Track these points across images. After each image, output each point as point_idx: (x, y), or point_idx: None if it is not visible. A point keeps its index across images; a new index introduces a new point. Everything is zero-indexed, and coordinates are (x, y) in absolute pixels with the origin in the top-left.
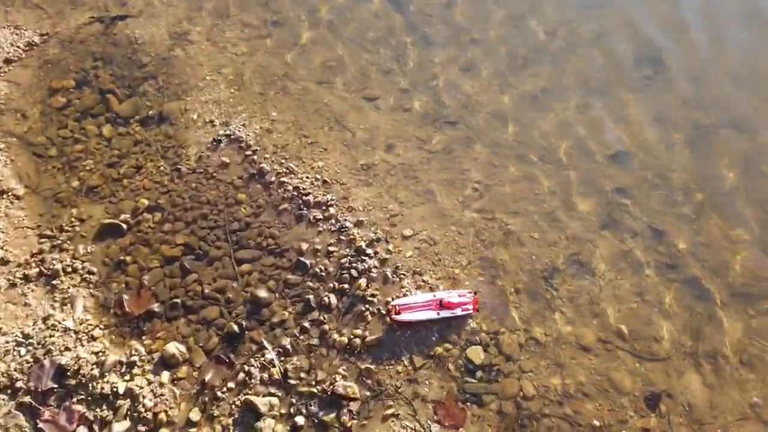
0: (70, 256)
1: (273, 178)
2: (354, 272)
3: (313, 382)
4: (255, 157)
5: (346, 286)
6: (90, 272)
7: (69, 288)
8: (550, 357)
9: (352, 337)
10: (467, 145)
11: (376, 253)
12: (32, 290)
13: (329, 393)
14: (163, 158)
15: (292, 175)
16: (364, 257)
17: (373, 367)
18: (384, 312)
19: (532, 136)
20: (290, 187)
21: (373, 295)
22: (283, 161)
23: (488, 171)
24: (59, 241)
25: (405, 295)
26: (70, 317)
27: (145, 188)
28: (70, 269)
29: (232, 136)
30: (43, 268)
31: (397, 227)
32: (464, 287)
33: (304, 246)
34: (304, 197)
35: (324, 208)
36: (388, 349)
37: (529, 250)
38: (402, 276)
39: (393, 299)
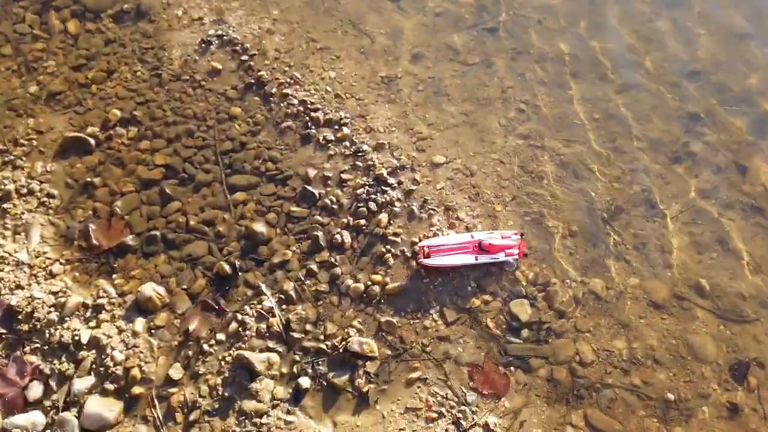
0: (26, 175)
1: (274, 90)
2: (373, 205)
3: (322, 337)
4: (252, 63)
5: (362, 221)
6: (50, 195)
7: (23, 213)
8: (613, 315)
9: (369, 283)
10: (511, 58)
11: (399, 183)
12: None
13: (341, 350)
14: (140, 61)
15: (298, 87)
16: (385, 188)
17: (395, 320)
18: (409, 254)
19: (590, 48)
20: (295, 101)
21: (396, 234)
22: (286, 69)
23: (536, 89)
24: (12, 157)
25: (435, 234)
26: (23, 249)
27: (117, 97)
28: (25, 191)
29: (224, 37)
30: None
31: (425, 153)
32: (508, 228)
33: (312, 172)
34: (311, 113)
35: (336, 127)
36: (413, 300)
37: (587, 185)
38: (432, 212)
39: (421, 239)
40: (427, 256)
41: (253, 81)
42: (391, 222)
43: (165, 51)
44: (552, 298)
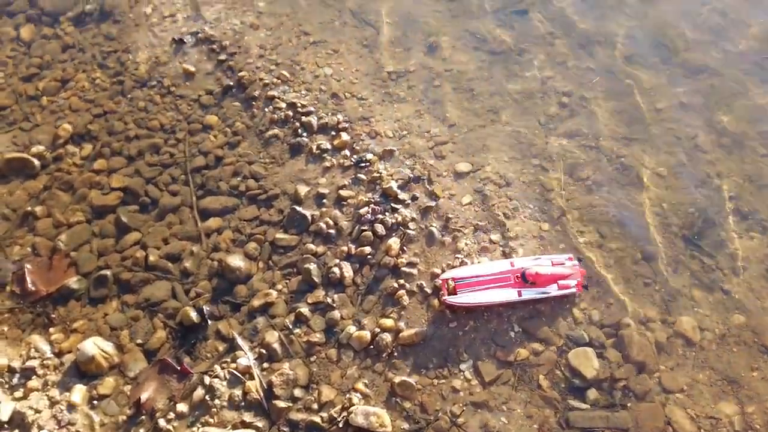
0: None
1: (258, 92)
2: (380, 228)
3: (315, 406)
4: (232, 62)
5: (367, 249)
6: None
7: None
8: (715, 367)
9: (378, 330)
10: (548, 42)
11: (414, 198)
12: None
13: (341, 424)
14: (100, 68)
15: (286, 87)
16: (395, 205)
17: (412, 380)
18: (430, 290)
19: (647, 26)
20: (282, 104)
21: (411, 264)
22: (272, 68)
23: (582, 78)
24: None
25: (463, 263)
26: None
27: (71, 109)
28: None
29: (199, 35)
30: None
31: (446, 160)
32: (559, 252)
33: (303, 189)
34: (303, 118)
35: (333, 133)
36: (437, 352)
37: (657, 194)
38: (457, 233)
39: (444, 270)
40: (453, 292)
41: (232, 83)
42: (405, 248)
43: (130, 54)
44: (627, 345)
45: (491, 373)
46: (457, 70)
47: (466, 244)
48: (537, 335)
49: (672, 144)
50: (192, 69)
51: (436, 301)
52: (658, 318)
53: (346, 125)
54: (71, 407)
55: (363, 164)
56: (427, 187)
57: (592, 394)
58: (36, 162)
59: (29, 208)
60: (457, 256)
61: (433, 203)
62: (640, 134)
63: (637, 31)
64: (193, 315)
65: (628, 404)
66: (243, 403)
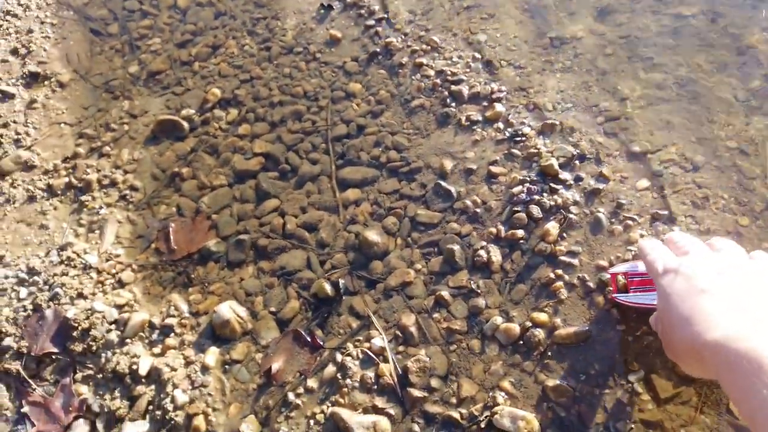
0: (111, 163)
1: (405, 59)
2: (536, 210)
3: (454, 400)
4: (380, 28)
5: (520, 233)
6: (132, 188)
7: (101, 208)
8: None
9: (529, 324)
10: (750, 5)
11: (578, 179)
12: (54, 208)
13: (483, 424)
14: (249, 34)
15: (436, 54)
16: (555, 185)
17: (568, 385)
18: (594, 285)
19: None
20: (431, 72)
21: (571, 253)
22: (422, 34)
23: None
24: (100, 143)
25: (637, 257)
26: (94, 250)
27: (220, 74)
28: (107, 181)
29: (347, 1)
30: (73, 178)
31: (617, 138)
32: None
33: (449, 163)
34: (452, 87)
35: (485, 103)
36: (600, 357)
37: None
38: (629, 222)
39: (612, 264)
40: (624, 290)
41: (379, 50)
42: (565, 235)
43: (278, 20)
44: None
45: (668, 390)
46: (634, 37)
47: (641, 236)
48: None
49: None
50: (338, 35)
51: (601, 298)
52: None
53: (501, 95)
54: (205, 369)
55: (518, 138)
56: (595, 167)
57: None
58: (185, 124)
59: (176, 169)
60: (629, 248)
61: (601, 186)
62: None
63: None
64: (328, 288)
65: None
66: (375, 387)
